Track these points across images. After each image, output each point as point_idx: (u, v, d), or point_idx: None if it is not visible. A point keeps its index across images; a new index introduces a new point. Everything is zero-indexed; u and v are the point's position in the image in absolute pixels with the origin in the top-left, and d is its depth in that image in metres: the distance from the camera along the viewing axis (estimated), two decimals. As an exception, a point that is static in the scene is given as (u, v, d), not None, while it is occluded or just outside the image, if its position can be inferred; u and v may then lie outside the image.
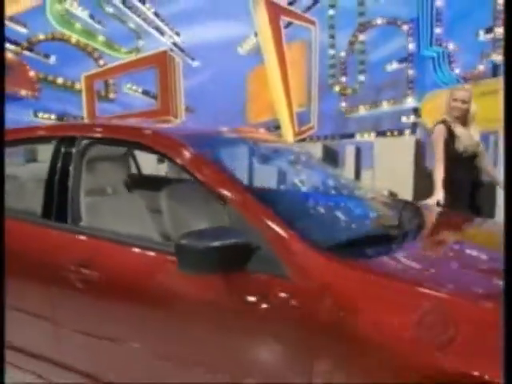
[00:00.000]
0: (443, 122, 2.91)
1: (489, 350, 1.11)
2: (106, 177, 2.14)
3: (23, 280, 1.89)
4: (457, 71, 5.12)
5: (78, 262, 1.68)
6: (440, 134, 2.90)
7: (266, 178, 2.23)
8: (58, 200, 1.90)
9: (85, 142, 1.93)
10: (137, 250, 1.60)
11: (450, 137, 2.85)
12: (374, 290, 1.30)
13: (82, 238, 1.77)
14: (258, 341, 1.37)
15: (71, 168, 1.91)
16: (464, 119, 2.81)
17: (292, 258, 1.36)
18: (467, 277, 1.44)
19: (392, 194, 5.00)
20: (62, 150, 1.96)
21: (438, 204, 2.76)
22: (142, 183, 2.35)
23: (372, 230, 1.72)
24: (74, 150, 1.94)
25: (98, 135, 1.96)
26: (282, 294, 1.35)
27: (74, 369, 1.77)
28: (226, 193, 1.49)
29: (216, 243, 1.33)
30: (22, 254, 1.88)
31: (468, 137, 2.83)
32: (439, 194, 2.82)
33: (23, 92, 5.45)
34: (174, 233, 1.62)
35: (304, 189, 2.08)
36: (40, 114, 5.75)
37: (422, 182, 5.20)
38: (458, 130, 2.84)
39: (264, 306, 1.37)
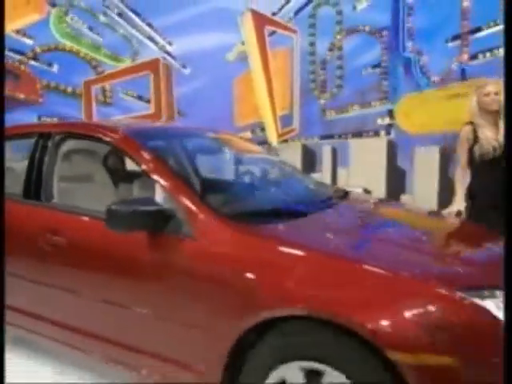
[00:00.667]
0: (470, 123, 2.73)
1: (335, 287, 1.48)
2: (78, 166, 2.56)
3: (9, 246, 2.32)
4: (428, 76, 5.36)
5: (47, 229, 2.10)
6: (465, 136, 2.72)
7: (207, 165, 2.62)
8: (35, 184, 2.33)
9: (57, 136, 2.36)
10: (87, 218, 2.01)
11: (475, 141, 2.66)
12: (258, 249, 1.69)
13: (52, 211, 2.19)
14: (169, 283, 1.76)
15: (46, 159, 2.34)
16: (498, 114, 2.66)
17: (197, 224, 1.74)
18: (333, 240, 1.81)
19: (366, 191, 5.30)
20: (40, 143, 2.39)
21: (458, 214, 2.62)
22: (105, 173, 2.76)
23: (279, 205, 2.09)
24: (49, 144, 2.37)
25: (67, 130, 2.38)
26: (190, 251, 1.74)
27: (48, 319, 2.19)
28: (156, 176, 1.90)
29: (141, 208, 1.73)
30: (9, 225, 2.31)
31: (495, 137, 2.62)
32: (459, 204, 2.64)
33: (28, 97, 5.84)
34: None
35: (232, 174, 2.49)
36: (43, 118, 6.13)
37: (394, 179, 5.50)
38: (486, 131, 2.65)
39: (175, 259, 1.76)
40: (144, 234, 1.77)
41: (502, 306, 1.44)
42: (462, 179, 2.73)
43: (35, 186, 2.29)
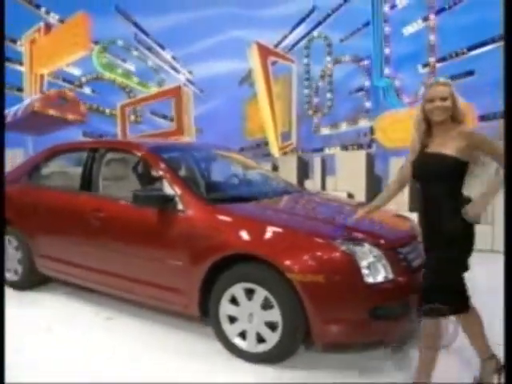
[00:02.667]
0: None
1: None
2: (114, 170, 3.70)
3: (69, 220, 3.42)
4: (402, 97, 6.25)
5: (94, 209, 3.23)
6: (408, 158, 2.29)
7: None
8: (88, 180, 3.48)
9: (102, 150, 3.52)
10: (118, 202, 3.15)
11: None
12: (219, 219, 2.74)
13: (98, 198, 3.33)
14: (169, 239, 2.84)
15: (95, 165, 3.49)
16: (454, 117, 2.09)
17: (187, 203, 2.83)
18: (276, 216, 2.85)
19: (350, 195, 6.18)
20: (91, 154, 3.56)
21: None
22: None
23: (245, 193, 3.18)
24: (96, 155, 3.53)
25: (108, 146, 3.55)
26: (182, 221, 2.82)
27: (90, 267, 3.31)
28: (165, 177, 2.99)
29: (150, 192, 2.84)
30: (69, 207, 3.43)
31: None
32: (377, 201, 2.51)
33: (75, 118, 7.01)
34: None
35: (227, 179, 3.63)
36: (87, 134, 7.43)
37: (373, 185, 6.33)
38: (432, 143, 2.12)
39: (173, 224, 2.84)
40: (155, 210, 2.87)
41: (362, 251, 2.42)
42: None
43: (88, 182, 3.45)
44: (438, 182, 2.10)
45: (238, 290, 2.57)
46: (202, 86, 8.08)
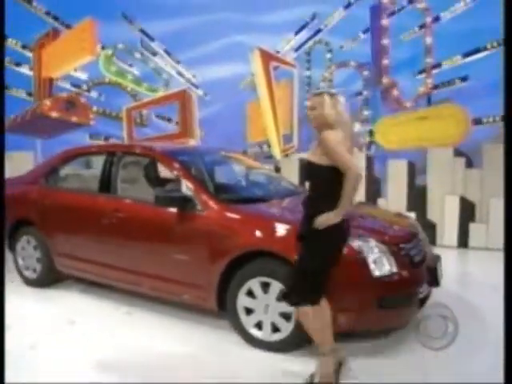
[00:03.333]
0: None
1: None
2: (131, 173, 3.91)
3: (88, 220, 3.62)
4: (400, 102, 6.49)
5: (114, 209, 3.43)
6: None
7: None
8: (106, 183, 3.68)
9: (119, 153, 3.72)
10: (136, 202, 3.35)
11: None
12: (237, 218, 2.95)
13: (117, 199, 3.53)
14: (188, 237, 3.05)
15: (113, 168, 3.68)
16: (326, 126, 2.22)
17: (204, 204, 3.04)
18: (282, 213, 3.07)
19: None
20: (109, 157, 3.75)
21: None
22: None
23: (258, 194, 3.40)
24: (114, 158, 3.72)
25: (126, 150, 3.75)
26: (200, 220, 3.02)
27: (109, 265, 3.50)
28: (182, 178, 3.20)
29: (171, 194, 3.04)
30: (88, 208, 3.63)
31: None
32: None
33: (83, 121, 7.16)
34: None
35: (233, 179, 3.84)
36: (94, 137, 7.59)
37: (372, 186, 6.53)
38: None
39: (190, 226, 3.04)
40: (174, 210, 3.07)
41: (368, 247, 2.64)
42: None
43: (107, 184, 3.65)
44: (310, 187, 2.36)
45: (254, 283, 2.79)
46: (205, 90, 8.27)
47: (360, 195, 6.32)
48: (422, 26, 6.37)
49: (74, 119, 6.98)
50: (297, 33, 7.53)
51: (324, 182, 2.24)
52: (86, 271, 3.78)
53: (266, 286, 2.77)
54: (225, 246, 2.86)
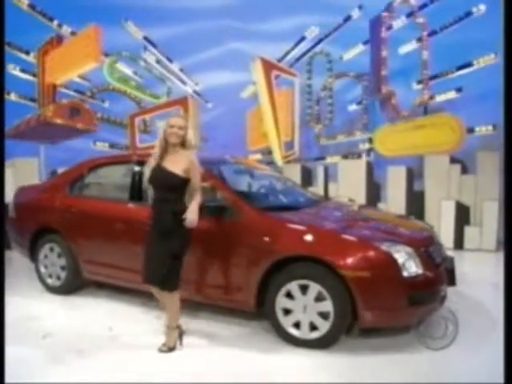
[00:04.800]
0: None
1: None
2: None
3: (120, 227, 3.71)
4: (398, 111, 6.78)
5: (147, 217, 3.55)
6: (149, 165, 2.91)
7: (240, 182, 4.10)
8: (138, 191, 3.78)
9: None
10: None
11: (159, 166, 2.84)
12: (275, 226, 3.14)
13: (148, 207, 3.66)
14: (226, 244, 3.21)
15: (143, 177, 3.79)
16: (184, 144, 2.85)
17: (243, 212, 3.21)
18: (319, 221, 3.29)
19: (351, 200, 6.64)
20: (139, 167, 3.85)
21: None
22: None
23: (288, 202, 3.60)
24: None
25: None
26: (238, 228, 3.19)
27: (130, 269, 3.61)
28: (218, 189, 3.36)
29: (211, 203, 3.20)
30: (119, 216, 3.73)
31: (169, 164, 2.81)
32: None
33: (87, 127, 7.20)
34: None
35: (259, 188, 4.02)
36: (98, 143, 7.63)
37: (372, 191, 6.82)
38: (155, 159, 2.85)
39: (230, 232, 3.21)
40: (212, 218, 3.24)
41: (398, 250, 2.89)
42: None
43: (137, 192, 3.76)
44: (166, 191, 2.88)
45: (293, 286, 2.98)
46: (207, 97, 8.41)
47: (361, 199, 6.62)
48: (419, 39, 6.71)
49: (78, 126, 7.05)
50: (297, 44, 7.76)
51: (180, 189, 2.89)
52: (116, 278, 3.87)
53: (304, 288, 2.97)
54: (265, 252, 3.04)
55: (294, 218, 3.24)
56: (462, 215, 6.26)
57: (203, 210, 3.18)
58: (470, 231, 6.22)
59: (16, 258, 5.40)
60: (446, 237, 6.17)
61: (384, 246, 2.89)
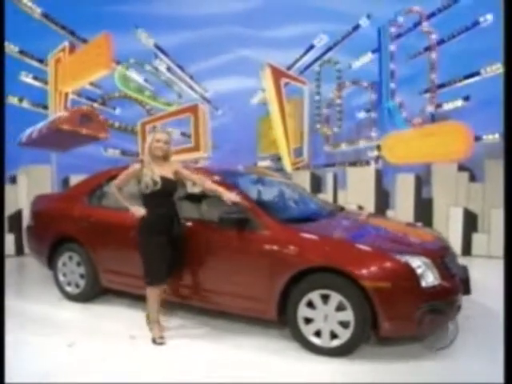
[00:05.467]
0: (141, 161, 3.21)
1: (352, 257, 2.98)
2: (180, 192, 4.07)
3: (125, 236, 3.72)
4: (406, 119, 6.86)
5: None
6: (130, 170, 3.21)
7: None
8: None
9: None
10: (191, 221, 3.57)
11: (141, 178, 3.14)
12: (296, 237, 3.22)
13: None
14: (248, 255, 3.29)
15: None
16: (166, 157, 3.23)
17: (264, 224, 3.30)
18: (337, 230, 3.38)
19: (360, 208, 6.74)
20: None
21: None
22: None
23: (306, 213, 3.68)
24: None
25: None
26: (260, 239, 3.28)
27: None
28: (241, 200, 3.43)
29: (233, 215, 3.29)
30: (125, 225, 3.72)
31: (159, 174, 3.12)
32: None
33: (98, 135, 7.24)
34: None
35: (273, 197, 4.10)
36: (109, 150, 7.70)
37: (381, 199, 6.90)
38: (150, 169, 3.13)
39: (252, 244, 3.29)
40: (234, 229, 3.32)
41: (417, 261, 2.97)
42: (116, 192, 3.35)
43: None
44: (170, 197, 3.28)
45: (314, 295, 3.07)
46: (217, 104, 8.50)
47: (369, 206, 6.72)
48: (426, 48, 6.81)
49: (90, 133, 7.02)
50: (306, 52, 7.85)
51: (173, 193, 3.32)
52: (135, 287, 3.90)
53: (325, 298, 3.05)
54: (287, 263, 3.13)
55: (314, 230, 3.32)
56: (470, 222, 6.35)
57: (224, 221, 3.27)
58: (477, 238, 6.30)
59: (29, 263, 5.46)
60: (454, 243, 6.23)
61: (403, 258, 2.98)
